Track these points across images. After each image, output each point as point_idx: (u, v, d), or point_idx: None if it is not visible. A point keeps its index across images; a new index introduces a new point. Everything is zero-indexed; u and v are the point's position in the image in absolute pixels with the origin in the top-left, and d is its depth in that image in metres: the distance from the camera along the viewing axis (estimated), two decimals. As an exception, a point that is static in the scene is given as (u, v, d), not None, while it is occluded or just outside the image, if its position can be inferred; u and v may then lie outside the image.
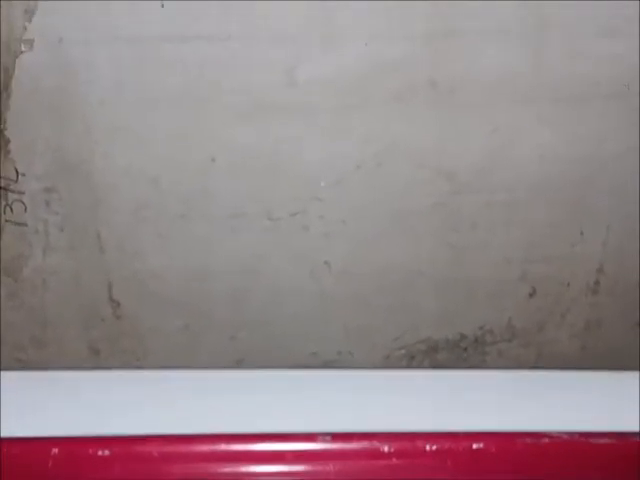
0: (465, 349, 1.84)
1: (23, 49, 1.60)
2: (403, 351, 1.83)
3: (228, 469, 0.97)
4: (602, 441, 0.99)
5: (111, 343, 1.80)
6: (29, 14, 1.58)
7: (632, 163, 1.74)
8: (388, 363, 1.83)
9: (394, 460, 0.97)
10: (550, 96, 1.68)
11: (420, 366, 1.82)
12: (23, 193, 1.69)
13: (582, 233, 1.78)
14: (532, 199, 1.75)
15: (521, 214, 1.76)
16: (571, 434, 0.98)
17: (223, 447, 0.97)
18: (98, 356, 1.80)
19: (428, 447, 0.97)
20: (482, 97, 1.67)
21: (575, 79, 1.67)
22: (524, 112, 1.69)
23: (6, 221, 1.70)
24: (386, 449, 0.97)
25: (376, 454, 0.97)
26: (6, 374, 1.11)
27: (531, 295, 1.82)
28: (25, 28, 1.59)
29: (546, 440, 0.98)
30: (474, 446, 0.97)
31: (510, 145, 1.71)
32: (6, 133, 1.66)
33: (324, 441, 0.97)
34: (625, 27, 1.64)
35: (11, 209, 1.70)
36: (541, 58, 1.66)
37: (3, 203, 1.69)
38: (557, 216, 1.77)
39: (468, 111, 1.68)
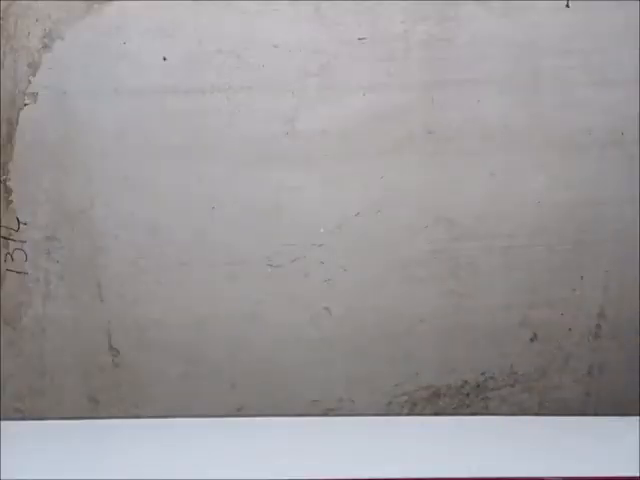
0: (467, 395, 1.83)
1: (27, 102, 1.63)
2: (405, 397, 1.81)
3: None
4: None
5: (110, 391, 1.78)
6: (33, 68, 1.62)
7: (631, 208, 1.75)
8: (390, 410, 1.81)
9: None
10: (546, 143, 1.71)
11: (422, 413, 1.81)
12: (24, 242, 1.70)
13: (582, 277, 1.78)
14: (531, 244, 1.76)
15: (521, 259, 1.76)
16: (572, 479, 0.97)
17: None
18: (97, 405, 1.78)
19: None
20: (479, 145, 1.69)
21: (570, 127, 1.70)
22: (521, 159, 1.71)
23: (7, 270, 1.71)
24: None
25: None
26: (6, 424, 1.10)
27: (532, 340, 1.81)
28: (29, 81, 1.62)
29: (549, 486, 0.97)
30: (477, 493, 0.96)
31: (508, 191, 1.72)
32: (9, 184, 1.68)
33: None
34: (619, 76, 1.68)
35: (12, 258, 1.70)
36: (537, 106, 1.69)
37: (4, 252, 1.70)
38: (557, 261, 1.77)
39: (465, 158, 1.70)
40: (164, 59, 1.62)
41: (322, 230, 1.72)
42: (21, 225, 1.69)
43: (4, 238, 1.69)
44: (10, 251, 1.70)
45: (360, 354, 1.79)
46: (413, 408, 1.82)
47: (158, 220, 1.70)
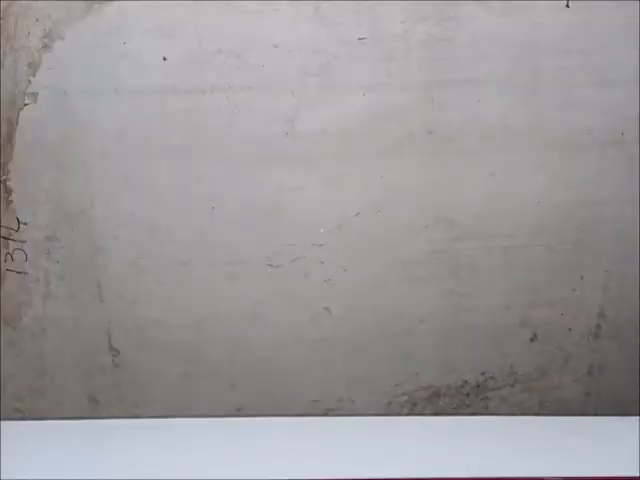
0: (467, 395, 1.83)
1: (27, 102, 1.63)
2: (405, 397, 1.81)
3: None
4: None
5: (110, 391, 1.78)
6: (33, 68, 1.62)
7: (631, 208, 1.75)
8: (390, 410, 1.81)
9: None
10: (546, 143, 1.71)
11: (422, 413, 1.81)
12: (24, 242, 1.70)
13: (582, 277, 1.78)
14: (531, 244, 1.76)
15: (521, 259, 1.76)
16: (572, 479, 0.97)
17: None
18: (97, 405, 1.78)
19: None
20: (479, 145, 1.69)
21: (570, 127, 1.70)
22: (521, 159, 1.71)
23: (7, 270, 1.71)
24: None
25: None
26: (6, 424, 1.10)
27: (532, 340, 1.81)
28: (29, 81, 1.62)
29: (549, 486, 0.97)
30: (477, 493, 0.96)
31: (508, 191, 1.72)
32: (9, 184, 1.68)
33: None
34: (619, 76, 1.68)
35: (12, 258, 1.70)
36: (537, 106, 1.69)
37: (4, 252, 1.70)
38: (557, 261, 1.77)
39: (465, 158, 1.70)
40: (164, 59, 1.63)
41: (322, 230, 1.72)
42: (21, 225, 1.69)
43: (4, 238, 1.69)
44: (10, 251, 1.70)
45: (360, 354, 1.79)
46: (413, 408, 1.82)
47: (158, 220, 1.70)
